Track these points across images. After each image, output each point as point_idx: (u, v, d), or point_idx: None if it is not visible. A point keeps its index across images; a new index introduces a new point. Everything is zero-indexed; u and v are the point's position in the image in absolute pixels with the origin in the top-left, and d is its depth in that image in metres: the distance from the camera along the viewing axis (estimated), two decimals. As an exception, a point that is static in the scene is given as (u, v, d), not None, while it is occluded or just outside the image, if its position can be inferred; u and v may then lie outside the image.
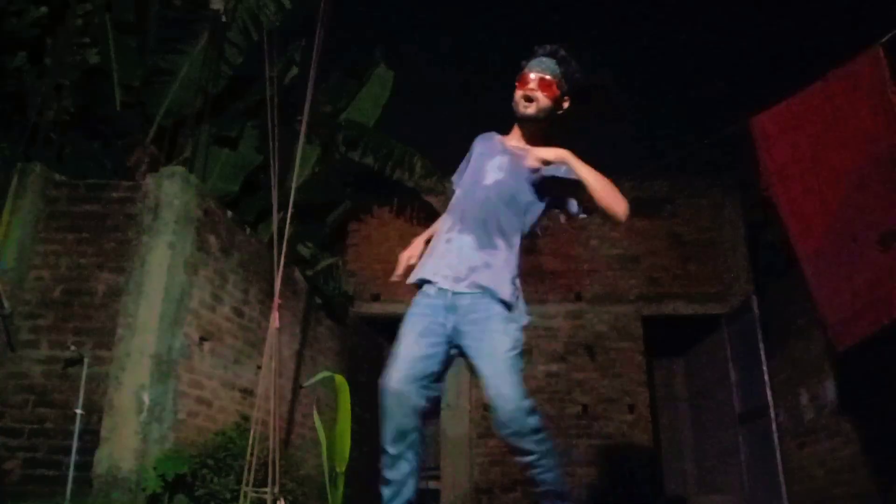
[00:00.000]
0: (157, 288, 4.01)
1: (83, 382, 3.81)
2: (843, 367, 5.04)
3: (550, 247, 7.55)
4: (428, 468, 8.12)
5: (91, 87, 5.25)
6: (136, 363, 3.87)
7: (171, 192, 4.22)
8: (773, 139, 4.46)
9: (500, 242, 2.34)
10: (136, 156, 5.11)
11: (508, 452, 2.33)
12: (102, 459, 3.71)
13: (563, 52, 2.45)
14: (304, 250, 6.66)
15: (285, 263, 3.72)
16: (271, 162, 3.96)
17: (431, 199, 7.47)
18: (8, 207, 4.18)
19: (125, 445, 3.73)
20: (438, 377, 2.28)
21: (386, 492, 2.22)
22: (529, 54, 2.48)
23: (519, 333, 2.29)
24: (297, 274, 6.01)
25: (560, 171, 2.40)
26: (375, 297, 7.42)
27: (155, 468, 3.70)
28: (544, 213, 2.49)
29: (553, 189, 2.45)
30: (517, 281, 2.36)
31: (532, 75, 2.41)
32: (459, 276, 2.29)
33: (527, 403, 2.16)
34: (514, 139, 2.53)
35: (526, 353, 7.45)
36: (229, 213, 4.86)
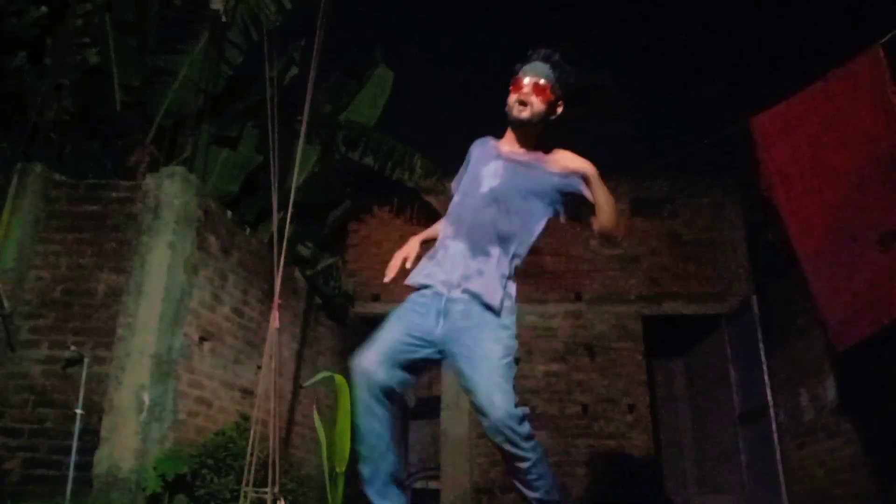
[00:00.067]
0: (157, 288, 4.01)
1: (83, 382, 3.81)
2: (843, 367, 5.04)
3: (550, 247, 7.54)
4: (428, 468, 8.13)
5: (91, 87, 5.25)
6: (136, 363, 3.87)
7: (171, 192, 4.22)
8: (773, 139, 4.46)
9: (494, 250, 2.33)
10: (136, 156, 5.11)
11: (501, 460, 2.33)
12: (102, 459, 3.71)
13: (557, 57, 2.46)
14: (304, 250, 6.66)
15: (285, 263, 3.72)
16: (271, 162, 3.97)
17: (431, 199, 7.47)
18: (8, 207, 4.18)
19: (125, 445, 3.73)
20: (411, 370, 2.29)
21: (364, 470, 2.25)
22: (524, 58, 2.47)
23: (511, 341, 2.28)
24: (297, 274, 6.01)
25: (569, 184, 2.40)
26: (375, 297, 7.42)
27: (155, 468, 3.70)
28: (542, 218, 2.47)
29: (550, 196, 2.44)
30: (512, 288, 2.36)
31: (526, 80, 2.41)
32: (452, 283, 2.30)
33: (518, 411, 2.15)
34: (508, 143, 2.52)
35: (526, 353, 7.43)
36: (229, 213, 4.86)
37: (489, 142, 2.59)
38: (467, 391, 2.23)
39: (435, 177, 7.03)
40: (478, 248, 2.33)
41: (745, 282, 7.13)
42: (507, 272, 2.34)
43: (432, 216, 6.89)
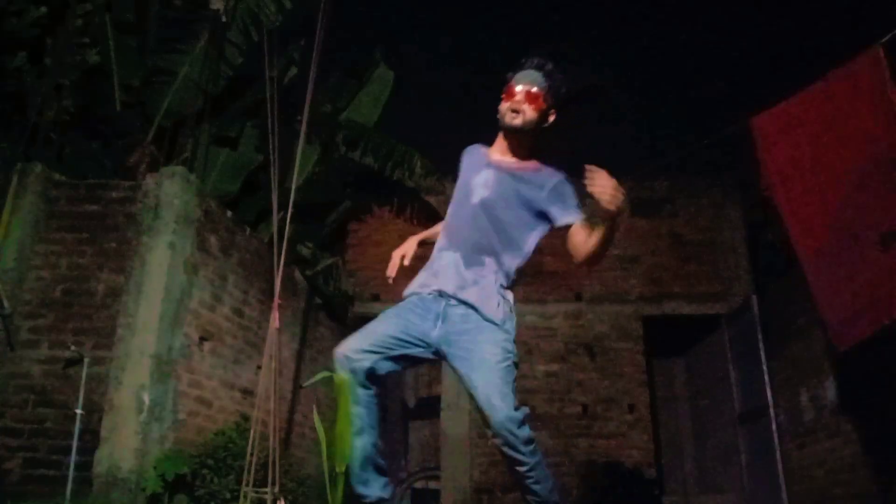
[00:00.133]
0: (157, 288, 4.01)
1: (83, 382, 3.81)
2: (843, 367, 5.04)
3: (550, 247, 7.50)
4: (428, 468, 8.12)
5: (91, 87, 5.25)
6: (136, 363, 3.87)
7: (171, 192, 4.22)
8: (773, 139, 4.46)
9: (488, 260, 2.34)
10: (136, 156, 5.11)
11: (501, 460, 2.33)
12: (102, 459, 3.71)
13: (550, 66, 2.44)
14: (304, 250, 6.66)
15: (285, 263, 3.72)
16: (271, 162, 3.96)
17: (431, 199, 7.47)
18: (8, 207, 4.18)
19: (125, 445, 3.73)
20: (398, 362, 2.28)
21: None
22: (517, 65, 2.46)
23: (510, 345, 2.28)
24: (297, 274, 6.01)
25: (567, 205, 2.39)
26: (375, 297, 7.42)
27: (155, 468, 3.70)
28: (534, 229, 2.44)
29: (539, 207, 2.42)
30: (509, 294, 2.36)
31: (519, 87, 2.40)
32: (448, 294, 2.31)
33: (518, 414, 2.15)
34: (499, 150, 2.52)
35: (526, 353, 7.43)
36: (229, 213, 4.85)
37: (479, 149, 2.57)
38: (468, 394, 2.24)
39: (435, 177, 7.03)
40: (472, 259, 2.34)
41: (745, 282, 7.13)
42: (503, 280, 2.35)
43: (432, 216, 6.89)
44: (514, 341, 2.32)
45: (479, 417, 2.21)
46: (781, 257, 5.77)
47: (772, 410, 6.15)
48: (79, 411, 3.74)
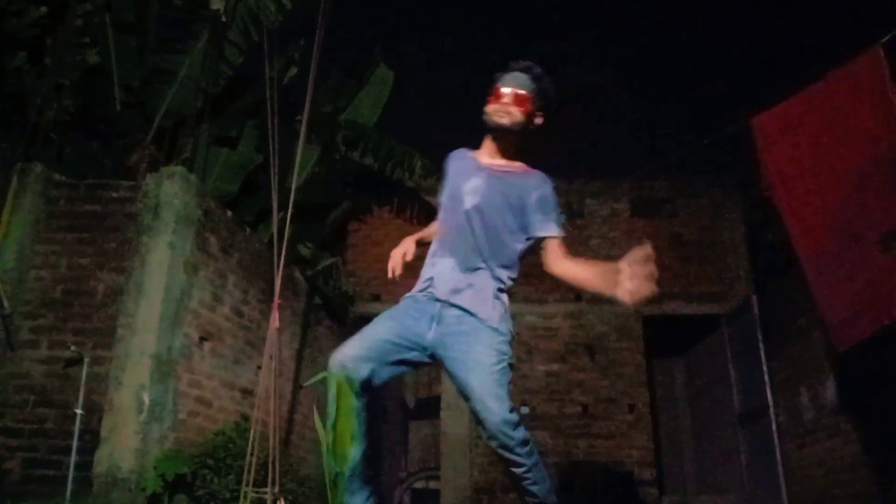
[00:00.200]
0: (157, 288, 4.01)
1: (83, 382, 3.81)
2: (843, 367, 5.04)
3: (550, 247, 7.53)
4: (428, 468, 8.12)
5: (91, 87, 5.25)
6: (136, 363, 3.87)
7: (171, 192, 4.22)
8: (774, 139, 4.46)
9: (482, 264, 2.34)
10: (136, 156, 5.11)
11: (498, 462, 2.32)
12: (102, 459, 3.71)
13: (537, 69, 2.46)
14: (304, 250, 6.66)
15: (285, 263, 3.72)
16: (271, 162, 3.97)
17: (431, 199, 7.47)
18: (8, 207, 4.18)
19: (125, 445, 3.73)
20: (394, 367, 2.26)
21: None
22: (503, 69, 2.48)
23: (505, 346, 2.28)
24: (297, 274, 6.01)
25: (547, 217, 2.40)
26: (375, 297, 7.42)
27: (155, 468, 3.70)
28: (525, 235, 2.44)
29: (526, 211, 2.42)
30: (504, 297, 2.37)
31: (506, 90, 2.41)
32: (442, 299, 2.31)
33: (513, 416, 2.15)
34: (487, 153, 2.52)
35: (526, 353, 7.42)
36: (229, 213, 4.86)
37: (467, 154, 2.56)
38: (463, 396, 2.23)
39: (435, 177, 7.02)
40: (465, 264, 2.34)
41: (745, 282, 7.13)
42: (497, 283, 2.35)
43: (432, 216, 6.83)
44: (511, 342, 2.31)
45: (475, 420, 2.21)
46: (781, 257, 5.76)
47: (772, 410, 6.15)
48: (79, 411, 3.74)
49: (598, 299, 7.35)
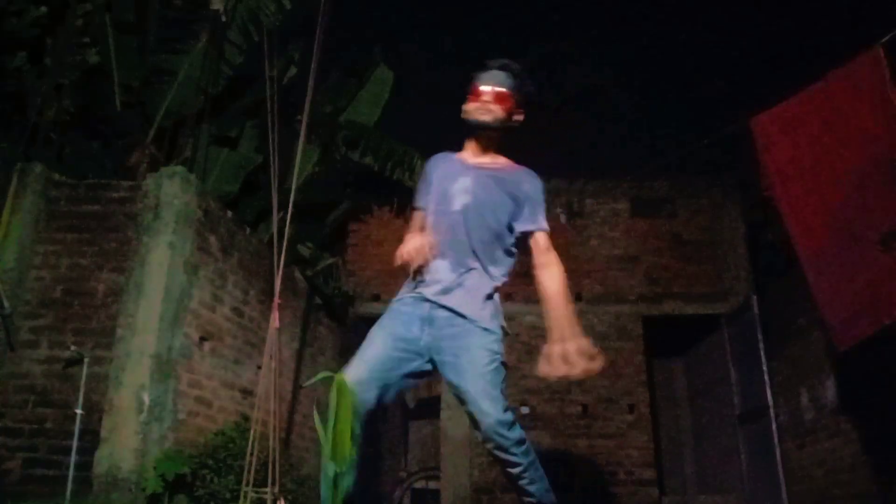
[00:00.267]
0: (157, 288, 4.01)
1: (83, 382, 3.81)
2: (843, 367, 5.04)
3: (550, 247, 7.53)
4: (428, 468, 8.12)
5: (91, 87, 5.25)
6: (136, 363, 3.87)
7: (171, 192, 4.22)
8: (774, 139, 4.46)
9: (474, 263, 2.35)
10: (136, 156, 5.11)
11: (495, 463, 2.32)
12: (102, 459, 3.71)
13: (516, 67, 2.48)
14: (304, 250, 6.66)
15: (285, 263, 3.72)
16: (271, 162, 3.97)
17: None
18: (8, 207, 4.18)
19: (125, 445, 3.73)
20: (398, 386, 2.26)
21: (323, 487, 2.20)
22: (482, 67, 2.50)
23: (498, 346, 2.28)
24: (297, 274, 6.01)
25: (534, 211, 2.43)
26: (375, 297, 7.42)
27: (155, 468, 3.70)
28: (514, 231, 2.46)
29: (515, 205, 2.44)
30: (496, 296, 2.38)
31: (486, 88, 2.43)
32: (431, 300, 2.31)
33: (507, 417, 2.15)
34: (471, 153, 2.52)
35: (526, 353, 7.40)
36: (229, 213, 4.86)
37: (450, 156, 2.57)
38: (458, 399, 2.23)
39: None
40: (458, 265, 2.34)
41: (745, 282, 7.12)
42: (490, 282, 2.36)
43: (432, 216, 6.86)
44: (503, 340, 2.32)
45: (470, 422, 2.20)
46: (781, 257, 5.76)
47: (772, 410, 6.15)
48: (79, 411, 3.75)
49: (598, 299, 7.35)
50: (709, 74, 7.48)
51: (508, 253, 2.44)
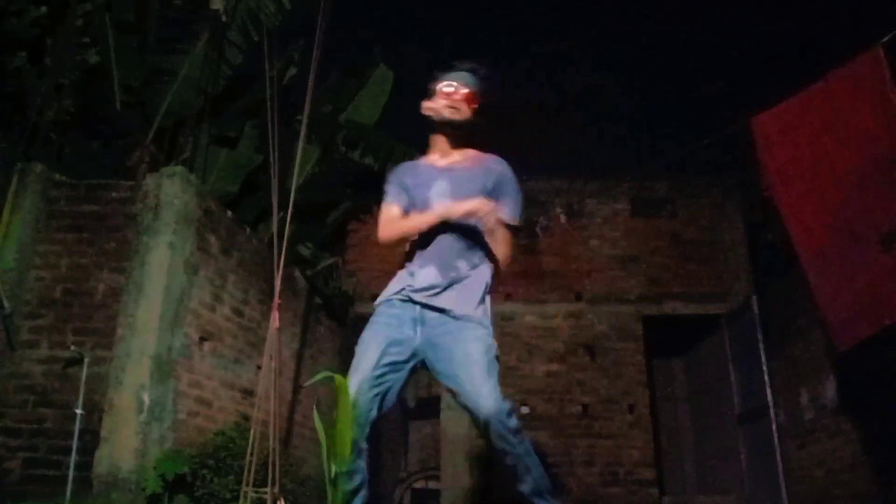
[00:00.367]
0: (157, 288, 4.01)
1: (83, 382, 3.81)
2: (843, 367, 5.04)
3: (550, 247, 7.55)
4: (428, 468, 8.12)
5: (91, 87, 5.25)
6: (136, 363, 3.87)
7: (171, 192, 4.22)
8: (774, 139, 4.46)
9: (462, 265, 2.37)
10: (136, 156, 5.10)
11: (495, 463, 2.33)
12: (102, 459, 3.71)
13: (476, 67, 2.53)
14: (304, 250, 6.66)
15: (285, 263, 3.72)
16: (271, 162, 3.96)
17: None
18: (8, 207, 4.18)
19: (125, 445, 3.73)
20: (397, 390, 2.29)
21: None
22: (448, 68, 2.55)
23: (491, 340, 2.31)
24: (297, 274, 6.01)
25: (502, 201, 2.43)
26: (375, 297, 7.39)
27: (155, 468, 3.70)
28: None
29: (489, 195, 2.44)
30: (487, 298, 2.40)
31: (452, 86, 2.48)
32: (421, 303, 2.33)
33: (505, 406, 2.17)
34: (438, 154, 2.55)
35: (526, 353, 7.40)
36: (229, 213, 4.85)
37: (417, 164, 2.60)
38: (453, 392, 2.23)
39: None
40: (446, 267, 2.36)
41: (745, 282, 7.13)
42: (478, 279, 2.38)
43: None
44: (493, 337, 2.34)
45: (468, 415, 2.20)
46: (781, 257, 5.77)
47: (772, 410, 6.16)
48: (79, 411, 3.74)
49: (598, 299, 7.36)
50: (709, 74, 7.48)
51: (489, 246, 2.46)
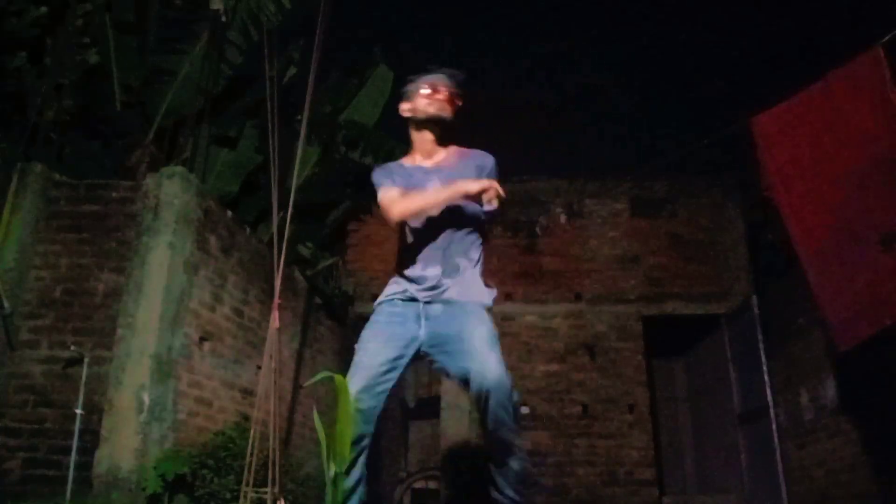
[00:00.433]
0: (157, 288, 4.01)
1: (83, 382, 3.81)
2: (843, 367, 5.04)
3: (550, 247, 7.55)
4: (428, 468, 8.12)
5: (91, 87, 5.24)
6: (136, 363, 3.87)
7: (171, 192, 4.22)
8: (774, 139, 4.46)
9: (462, 262, 2.42)
10: (136, 156, 5.10)
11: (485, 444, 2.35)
12: (102, 459, 3.71)
13: (459, 75, 2.59)
14: (304, 250, 6.66)
15: (285, 263, 3.72)
16: (271, 162, 3.96)
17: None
18: (8, 207, 4.18)
19: (125, 445, 3.73)
20: (397, 384, 2.34)
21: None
22: (424, 71, 2.61)
23: (492, 325, 2.34)
24: (297, 274, 6.01)
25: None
26: (375, 297, 7.40)
27: (155, 468, 3.70)
28: (487, 215, 2.52)
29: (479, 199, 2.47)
30: (486, 290, 2.45)
31: (431, 86, 2.54)
32: (422, 299, 2.37)
33: (508, 379, 2.19)
34: (421, 154, 2.60)
35: (526, 353, 7.40)
36: (229, 213, 4.85)
37: (404, 167, 2.63)
38: (459, 371, 2.23)
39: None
40: (446, 266, 2.40)
41: (745, 282, 7.13)
42: (477, 271, 2.45)
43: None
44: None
45: (475, 392, 2.17)
46: (781, 257, 5.76)
47: (772, 410, 6.16)
48: (79, 411, 3.74)
49: (598, 299, 7.36)
50: (709, 74, 7.48)
51: (482, 233, 2.52)
